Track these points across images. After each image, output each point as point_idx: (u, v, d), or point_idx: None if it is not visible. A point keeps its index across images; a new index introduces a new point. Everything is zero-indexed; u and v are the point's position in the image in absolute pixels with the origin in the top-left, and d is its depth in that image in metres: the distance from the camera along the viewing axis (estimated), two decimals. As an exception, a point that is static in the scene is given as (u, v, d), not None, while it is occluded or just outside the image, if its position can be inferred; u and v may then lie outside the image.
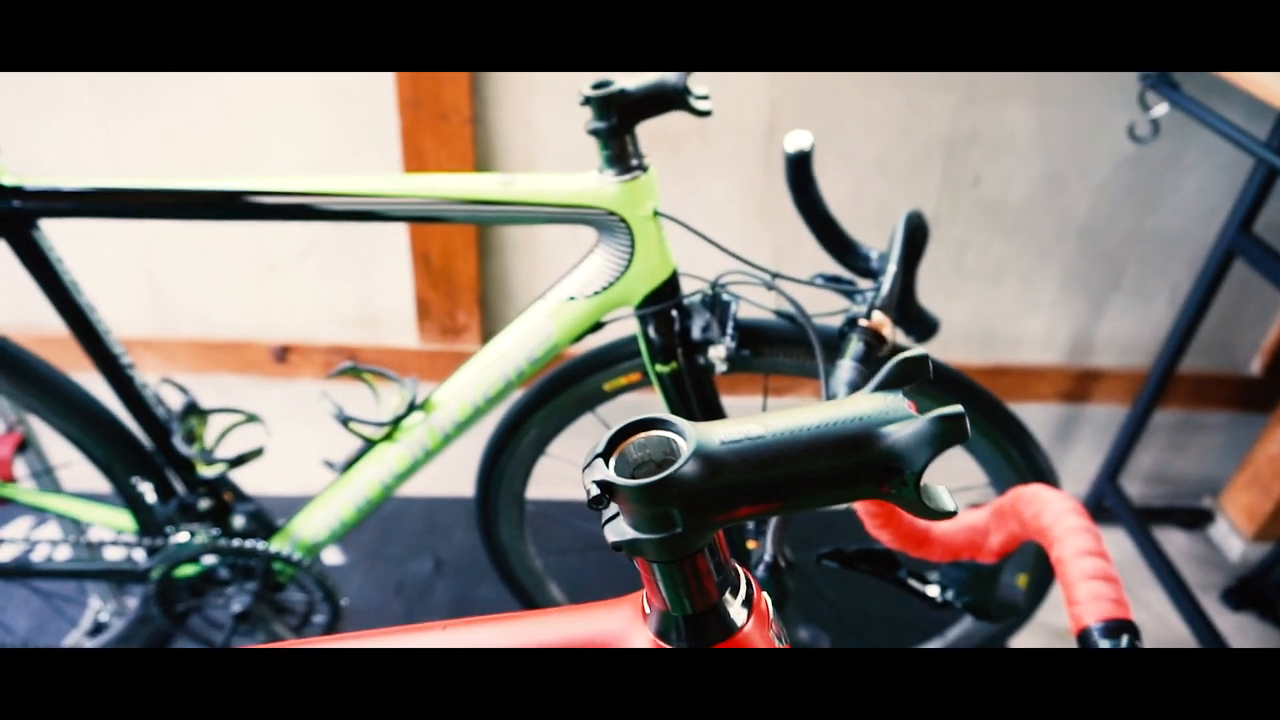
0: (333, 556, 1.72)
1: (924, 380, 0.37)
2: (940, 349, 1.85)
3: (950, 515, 0.36)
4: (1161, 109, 1.42)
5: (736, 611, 0.41)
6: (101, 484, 1.20)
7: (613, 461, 0.36)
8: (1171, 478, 2.02)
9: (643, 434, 0.37)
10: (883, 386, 0.37)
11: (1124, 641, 0.50)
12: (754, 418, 0.37)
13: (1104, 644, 0.50)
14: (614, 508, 0.37)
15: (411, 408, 1.07)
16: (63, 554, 1.48)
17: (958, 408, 0.34)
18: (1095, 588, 0.53)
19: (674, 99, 0.88)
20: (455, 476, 1.47)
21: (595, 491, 0.35)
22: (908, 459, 0.34)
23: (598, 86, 0.89)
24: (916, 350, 0.36)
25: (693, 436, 0.35)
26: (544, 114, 1.60)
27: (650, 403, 1.05)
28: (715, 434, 0.36)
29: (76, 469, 1.24)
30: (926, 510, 0.36)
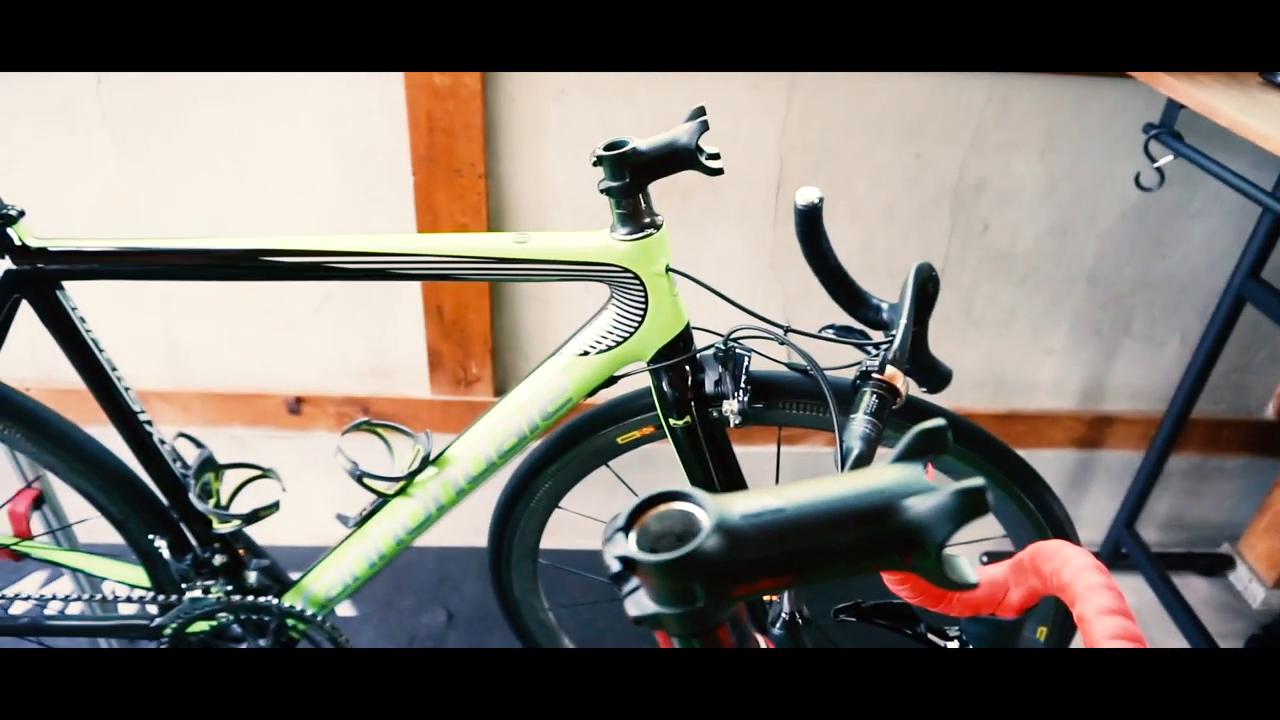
0: (344, 609, 1.71)
1: (943, 451, 0.37)
2: (952, 396, 1.84)
3: (971, 587, 0.36)
4: (1166, 158, 1.44)
5: (758, 682, 0.41)
6: (114, 537, 1.20)
7: (633, 535, 0.37)
8: (1189, 523, 1.99)
9: (663, 506, 0.37)
10: (903, 457, 0.37)
11: None
12: (773, 489, 0.37)
13: None
14: (634, 580, 0.37)
15: (425, 462, 1.07)
16: (75, 609, 1.47)
17: (979, 481, 0.34)
18: None
19: (685, 158, 0.89)
20: (465, 526, 1.46)
21: (617, 567, 0.35)
22: (930, 532, 0.35)
23: (610, 147, 0.90)
24: (936, 421, 0.37)
25: (714, 510, 0.35)
26: (555, 167, 1.63)
27: (664, 455, 1.05)
28: (735, 507, 0.36)
29: (88, 522, 1.24)
30: (948, 581, 0.36)
